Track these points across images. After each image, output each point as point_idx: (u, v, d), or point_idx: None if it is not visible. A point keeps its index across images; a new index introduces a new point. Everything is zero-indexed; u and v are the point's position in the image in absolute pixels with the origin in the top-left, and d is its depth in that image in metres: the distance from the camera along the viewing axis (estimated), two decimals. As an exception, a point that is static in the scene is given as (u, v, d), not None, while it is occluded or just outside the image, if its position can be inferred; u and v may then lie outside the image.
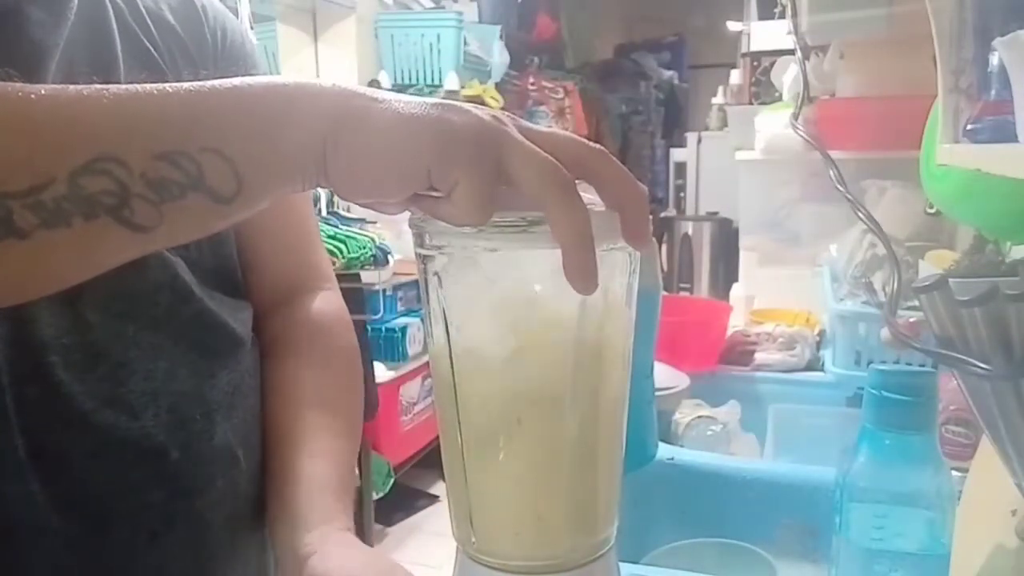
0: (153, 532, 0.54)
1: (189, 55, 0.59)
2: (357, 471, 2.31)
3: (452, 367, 0.41)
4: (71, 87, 0.37)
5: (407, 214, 0.40)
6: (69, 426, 0.50)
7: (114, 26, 0.55)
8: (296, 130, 0.38)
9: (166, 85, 0.38)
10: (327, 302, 0.70)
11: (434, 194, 0.37)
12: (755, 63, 3.40)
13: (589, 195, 0.38)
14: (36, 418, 0.49)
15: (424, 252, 0.40)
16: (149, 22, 0.58)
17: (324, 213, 2.37)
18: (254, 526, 0.63)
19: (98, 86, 0.37)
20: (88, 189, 0.35)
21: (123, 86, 0.37)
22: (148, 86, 0.37)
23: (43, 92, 0.36)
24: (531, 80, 4.31)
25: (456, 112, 0.37)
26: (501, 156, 0.36)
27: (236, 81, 0.39)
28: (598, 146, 0.39)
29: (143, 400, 0.53)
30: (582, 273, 0.36)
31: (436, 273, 0.40)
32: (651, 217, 0.42)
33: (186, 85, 0.38)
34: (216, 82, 0.39)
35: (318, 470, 0.59)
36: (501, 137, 0.36)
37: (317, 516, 0.56)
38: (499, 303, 0.40)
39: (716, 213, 4.41)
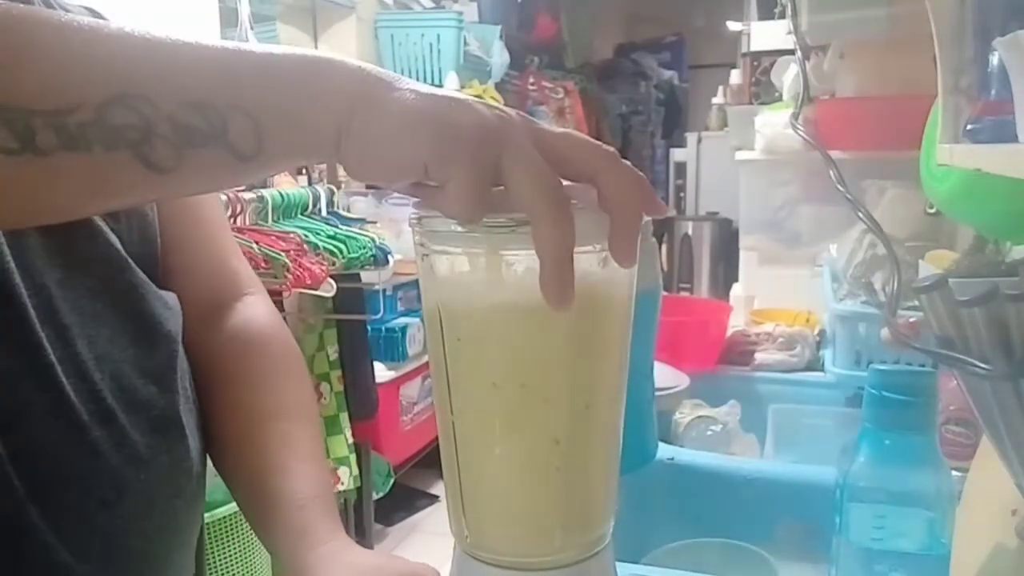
0: (103, 500, 0.54)
1: None
2: (358, 471, 2.32)
3: (446, 362, 0.42)
4: (111, 24, 0.37)
5: (408, 213, 0.41)
6: (21, 381, 0.50)
7: None
8: (320, 105, 0.38)
9: (200, 38, 0.38)
10: (254, 309, 0.69)
11: (432, 183, 0.38)
12: (755, 63, 3.39)
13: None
14: None
15: (421, 248, 0.41)
16: None
17: (324, 213, 2.35)
18: (195, 509, 0.62)
19: (139, 27, 0.38)
20: (114, 121, 0.36)
21: (161, 31, 0.38)
22: (183, 35, 0.38)
23: (83, 23, 0.37)
24: (531, 80, 4.31)
25: (463, 110, 0.37)
26: (500, 158, 0.36)
27: (267, 47, 0.39)
28: (612, 151, 0.38)
29: (89, 364, 0.54)
30: (556, 290, 0.35)
31: (431, 267, 0.41)
32: (650, 218, 0.42)
33: (219, 42, 0.39)
34: (248, 45, 0.39)
35: (301, 488, 0.59)
36: (503, 139, 0.36)
37: (314, 536, 0.57)
38: (490, 297, 0.40)
39: (716, 213, 4.42)
